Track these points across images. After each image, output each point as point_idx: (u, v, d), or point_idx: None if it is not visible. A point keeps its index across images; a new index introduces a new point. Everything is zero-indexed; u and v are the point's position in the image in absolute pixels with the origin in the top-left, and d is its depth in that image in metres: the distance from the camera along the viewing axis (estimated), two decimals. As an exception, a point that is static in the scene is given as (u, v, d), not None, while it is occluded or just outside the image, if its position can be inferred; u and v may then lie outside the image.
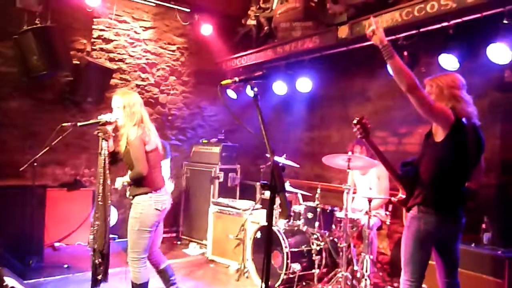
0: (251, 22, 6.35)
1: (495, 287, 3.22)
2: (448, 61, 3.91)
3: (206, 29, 6.29)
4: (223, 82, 2.00)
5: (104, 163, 3.02)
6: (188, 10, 6.34)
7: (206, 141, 6.16)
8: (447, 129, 2.50)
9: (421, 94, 2.44)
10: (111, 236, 3.18)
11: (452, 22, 3.85)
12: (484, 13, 3.62)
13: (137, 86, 6.05)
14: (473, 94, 2.68)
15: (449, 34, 3.90)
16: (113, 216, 5.48)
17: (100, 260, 2.96)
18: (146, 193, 3.06)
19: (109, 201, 3.05)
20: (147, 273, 3.13)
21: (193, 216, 5.92)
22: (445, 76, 2.70)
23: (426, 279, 2.68)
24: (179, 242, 5.93)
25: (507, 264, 3.20)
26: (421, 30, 4.10)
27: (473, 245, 3.48)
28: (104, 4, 5.59)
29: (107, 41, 5.74)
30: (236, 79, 1.99)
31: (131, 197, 3.13)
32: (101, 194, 3.01)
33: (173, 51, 6.44)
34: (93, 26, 5.61)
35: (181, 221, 6.10)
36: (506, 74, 3.92)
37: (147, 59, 6.15)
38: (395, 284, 3.84)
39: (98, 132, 3.05)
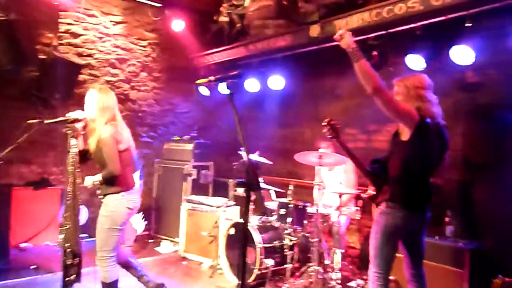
0: (224, 18, 6.34)
1: (457, 277, 3.39)
2: (415, 61, 4.05)
3: (178, 24, 6.23)
4: (198, 81, 2.01)
5: (74, 161, 2.95)
6: (159, 5, 6.26)
7: (178, 138, 6.12)
8: (412, 129, 2.61)
9: (386, 96, 2.53)
10: (81, 235, 3.13)
11: (419, 23, 3.99)
12: (449, 16, 3.77)
13: (107, 82, 5.92)
14: (438, 93, 2.80)
15: (416, 35, 4.05)
16: (84, 215, 5.36)
17: (72, 260, 2.90)
18: (118, 192, 3.04)
19: (79, 200, 2.99)
20: (117, 271, 3.11)
21: (165, 214, 5.87)
22: (412, 77, 2.81)
23: (394, 271, 2.80)
24: (151, 241, 5.87)
25: (468, 255, 3.38)
26: (390, 31, 4.24)
27: (436, 237, 3.65)
28: (72, -2, 5.44)
29: (75, 35, 5.59)
30: (212, 78, 2.01)
31: (102, 196, 3.09)
32: (70, 193, 2.95)
33: (144, 46, 6.35)
34: (60, 20, 5.43)
35: (153, 219, 6.04)
36: (468, 74, 4.12)
37: (117, 54, 6.03)
38: (364, 277, 3.96)
39: (67, 130, 2.98)
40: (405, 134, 2.67)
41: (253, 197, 3.88)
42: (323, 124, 3.01)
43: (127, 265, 3.30)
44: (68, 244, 2.92)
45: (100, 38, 5.84)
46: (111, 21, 5.94)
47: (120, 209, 3.04)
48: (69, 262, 2.93)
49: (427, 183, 2.74)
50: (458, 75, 4.13)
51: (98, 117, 3.05)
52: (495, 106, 3.95)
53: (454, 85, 4.16)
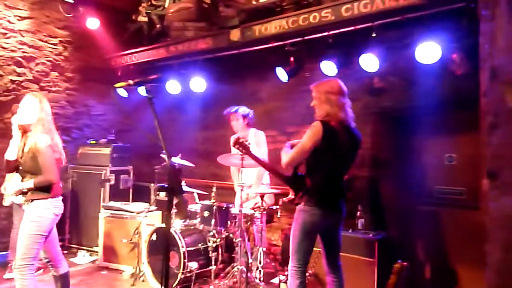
0: (142, 18, 6.17)
1: (368, 265, 3.70)
2: (329, 67, 4.33)
3: (92, 22, 5.92)
4: (117, 85, 1.96)
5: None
6: (72, 1, 5.90)
7: (94, 141, 5.81)
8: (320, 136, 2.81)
9: (292, 158, 2.90)
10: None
11: (331, 32, 4.27)
12: (357, 26, 4.10)
13: (12, 81, 5.42)
14: (349, 97, 3.04)
15: (328, 42, 4.33)
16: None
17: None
18: (46, 198, 2.97)
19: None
20: (35, 282, 2.95)
21: (82, 223, 5.55)
22: (325, 83, 3.02)
23: (313, 264, 2.98)
24: (65, 251, 5.50)
25: (377, 245, 3.70)
26: (305, 38, 4.47)
27: (350, 230, 3.94)
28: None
29: (-27, 29, 5.05)
30: (131, 81, 1.97)
31: (26, 202, 2.99)
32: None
33: (55, 44, 5.93)
34: (-46, 12, 4.88)
35: (68, 229, 5.66)
36: (375, 80, 4.51)
37: (23, 52, 5.55)
38: (286, 273, 4.12)
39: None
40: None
41: (175, 201, 3.86)
42: (231, 144, 3.25)
43: (60, 276, 3.25)
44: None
45: (4, 34, 5.33)
46: (15, 15, 5.45)
47: (48, 215, 2.97)
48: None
49: (339, 182, 2.96)
50: (366, 80, 4.50)
51: (35, 125, 3.01)
52: (397, 109, 4.39)
53: (363, 89, 4.54)
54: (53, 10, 5.83)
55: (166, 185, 1.70)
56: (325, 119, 2.87)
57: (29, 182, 2.95)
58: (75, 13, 5.93)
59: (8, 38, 5.37)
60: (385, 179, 4.48)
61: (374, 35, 3.96)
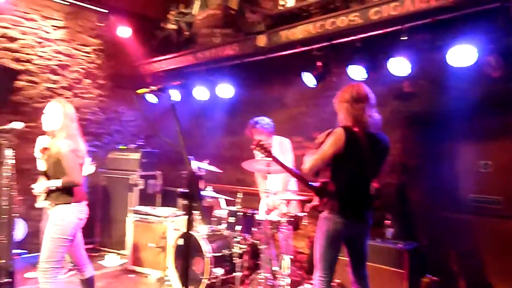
0: (171, 26, 6.27)
1: (397, 276, 3.57)
2: (356, 71, 4.25)
3: (124, 31, 6.09)
4: (139, 91, 1.98)
5: (9, 173, 2.80)
6: (104, 10, 6.09)
7: (124, 147, 5.94)
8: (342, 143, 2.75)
9: (312, 165, 2.83)
10: (19, 251, 2.96)
11: (359, 36, 4.19)
12: (386, 30, 4.00)
13: (48, 89, 5.64)
14: (377, 103, 2.95)
15: (356, 47, 4.24)
16: (21, 230, 5.04)
17: (7, 279, 2.73)
18: (70, 203, 3.01)
19: (15, 214, 2.83)
20: (61, 285, 2.99)
21: (111, 226, 5.67)
22: (348, 88, 2.93)
23: (339, 273, 2.89)
24: (95, 254, 5.64)
25: (407, 255, 3.57)
26: (333, 42, 4.41)
27: (378, 240, 3.82)
28: (8, 0, 5.15)
29: (12, 39, 5.28)
30: (153, 88, 1.99)
31: (51, 206, 3.03)
32: (5, 207, 2.79)
33: (88, 52, 6.13)
34: (-5, 23, 5.13)
35: (98, 232, 5.80)
36: (404, 84, 4.38)
37: (58, 60, 5.77)
38: (312, 281, 4.05)
39: (3, 140, 2.84)
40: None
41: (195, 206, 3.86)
42: (251, 147, 3.21)
43: (85, 280, 3.26)
44: (2, 261, 2.74)
45: (40, 43, 5.57)
46: (52, 25, 5.69)
47: (71, 219, 3.01)
48: (5, 280, 2.76)
49: (364, 190, 2.87)
50: (395, 85, 4.38)
51: (59, 131, 3.08)
52: (427, 113, 4.24)
53: (392, 94, 4.41)
54: (86, 19, 6.04)
55: (185, 191, 1.69)
56: (348, 125, 2.81)
57: (57, 181, 2.99)
58: (106, 22, 6.11)
59: (44, 47, 5.60)
60: (415, 187, 4.32)
61: (403, 38, 3.85)
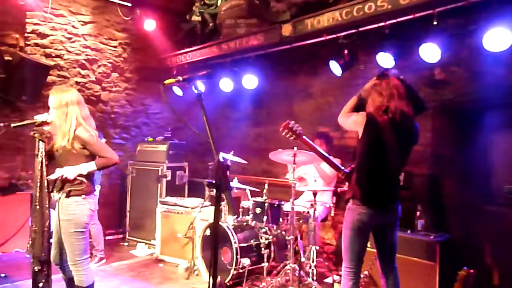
0: (196, 18, 6.29)
1: (429, 269, 3.48)
2: (385, 59, 4.12)
3: (149, 24, 6.13)
4: (166, 82, 1.99)
5: (42, 165, 2.87)
6: (130, 4, 6.15)
7: (151, 139, 6.03)
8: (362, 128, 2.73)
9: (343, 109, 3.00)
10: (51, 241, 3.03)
11: (387, 22, 4.06)
12: (416, 15, 3.86)
13: (77, 83, 5.78)
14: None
15: (385, 33, 4.12)
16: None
17: (39, 267, 2.82)
18: (80, 195, 2.93)
19: (47, 205, 2.91)
20: (92, 274, 3.03)
21: (140, 216, 5.78)
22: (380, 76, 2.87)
23: (368, 265, 2.84)
24: (125, 244, 5.78)
25: (438, 248, 3.47)
26: (360, 29, 4.30)
27: (408, 231, 3.73)
28: (38, -3, 5.28)
29: (43, 36, 5.42)
30: (180, 78, 1.99)
31: (62, 196, 2.92)
32: (38, 198, 2.87)
33: (115, 46, 6.22)
34: (27, 20, 5.27)
35: (127, 222, 5.94)
36: (436, 71, 4.23)
37: (86, 55, 5.89)
38: (340, 272, 4.01)
39: (35, 133, 2.90)
40: (359, 132, 2.80)
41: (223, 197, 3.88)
42: (281, 130, 3.17)
43: (70, 279, 3.09)
44: (35, 251, 2.83)
45: (69, 38, 5.69)
46: (80, 21, 5.80)
47: (82, 211, 2.93)
48: (37, 268, 2.85)
49: (389, 180, 2.79)
50: (426, 72, 4.24)
51: (62, 122, 2.92)
52: (460, 102, 4.08)
53: (422, 81, 4.27)
54: (113, 14, 6.12)
55: (213, 181, 1.69)
56: (371, 112, 2.76)
57: (91, 164, 2.92)
58: (133, 15, 6.18)
59: (72, 42, 5.73)
60: (448, 177, 4.18)
61: (435, 23, 3.71)
